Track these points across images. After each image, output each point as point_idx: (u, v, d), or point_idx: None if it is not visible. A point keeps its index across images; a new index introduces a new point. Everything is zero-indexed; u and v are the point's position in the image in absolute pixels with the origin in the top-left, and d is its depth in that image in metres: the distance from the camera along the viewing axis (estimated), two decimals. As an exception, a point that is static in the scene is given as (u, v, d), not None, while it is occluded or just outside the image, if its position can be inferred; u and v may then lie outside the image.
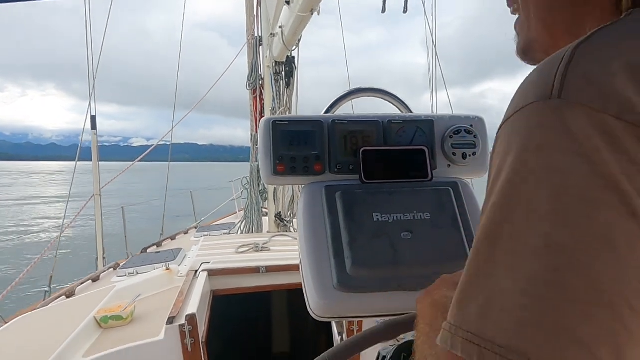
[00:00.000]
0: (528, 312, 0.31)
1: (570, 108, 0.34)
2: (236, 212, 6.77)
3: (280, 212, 4.53)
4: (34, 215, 25.09)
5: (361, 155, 0.94)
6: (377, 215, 0.87)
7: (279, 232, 4.42)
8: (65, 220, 4.36)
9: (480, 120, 1.02)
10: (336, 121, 0.96)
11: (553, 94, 0.35)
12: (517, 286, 0.32)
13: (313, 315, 0.84)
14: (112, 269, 3.70)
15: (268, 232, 4.72)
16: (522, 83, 0.39)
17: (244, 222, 4.90)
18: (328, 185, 0.92)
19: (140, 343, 1.94)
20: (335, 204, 0.89)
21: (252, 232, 4.81)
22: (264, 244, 3.39)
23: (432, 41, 4.43)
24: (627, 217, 0.31)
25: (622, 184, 0.31)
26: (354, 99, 1.11)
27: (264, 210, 5.19)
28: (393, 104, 1.13)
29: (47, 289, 3.76)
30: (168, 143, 6.20)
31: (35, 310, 2.68)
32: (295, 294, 3.74)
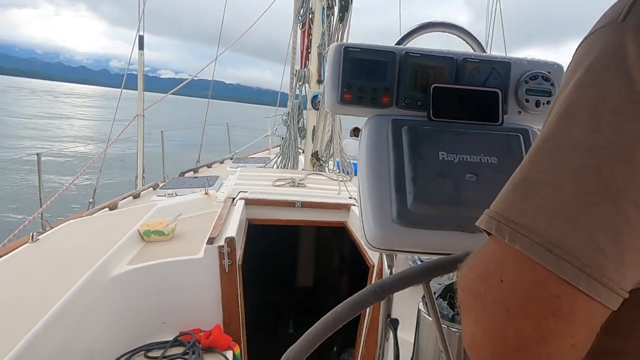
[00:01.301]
0: (543, 199, 0.37)
1: (629, 30, 0.38)
2: (269, 149, 6.83)
3: (317, 151, 4.53)
4: (72, 133, 25.99)
5: (432, 92, 0.91)
6: (442, 154, 0.85)
7: (314, 170, 4.45)
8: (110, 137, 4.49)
9: (559, 68, 0.96)
10: (409, 53, 0.92)
11: (619, 18, 0.39)
12: (538, 178, 0.38)
13: (367, 246, 0.85)
14: (151, 189, 3.84)
15: (303, 169, 4.76)
16: (608, 8, 0.43)
17: (280, 158, 4.94)
18: (395, 118, 0.90)
19: (181, 258, 2.03)
20: (401, 138, 0.87)
21: (288, 168, 4.86)
22: (300, 180, 3.42)
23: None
24: None
25: None
26: (426, 33, 1.06)
27: (299, 149, 5.21)
28: (467, 42, 1.07)
29: (91, 200, 3.94)
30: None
31: (82, 218, 2.82)
32: (325, 231, 3.84)
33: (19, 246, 2.12)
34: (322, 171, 4.43)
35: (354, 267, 3.17)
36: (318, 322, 0.65)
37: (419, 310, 0.90)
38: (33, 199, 4.42)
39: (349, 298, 0.68)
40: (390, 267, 0.92)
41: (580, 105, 0.38)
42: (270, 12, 6.56)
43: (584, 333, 0.36)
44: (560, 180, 0.37)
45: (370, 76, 0.92)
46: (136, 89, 4.74)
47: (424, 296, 0.89)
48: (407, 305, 1.06)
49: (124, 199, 3.45)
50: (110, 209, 3.12)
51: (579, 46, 0.43)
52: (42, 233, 2.38)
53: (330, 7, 3.93)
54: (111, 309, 1.86)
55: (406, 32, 1.04)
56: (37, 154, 3.86)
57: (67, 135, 24.66)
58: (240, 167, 4.53)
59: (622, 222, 0.34)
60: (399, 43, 1.03)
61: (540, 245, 0.36)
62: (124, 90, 5.05)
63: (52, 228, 2.57)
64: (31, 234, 2.18)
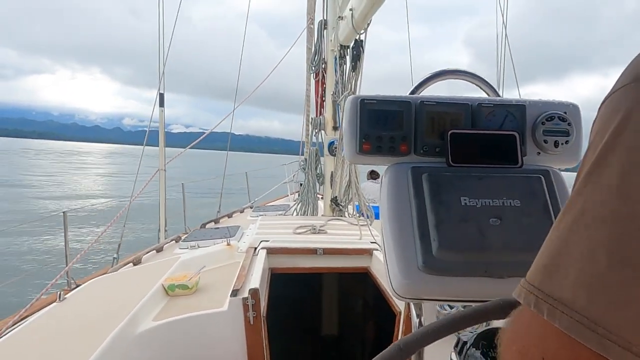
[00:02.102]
0: (582, 273, 0.35)
1: None
2: (288, 195, 6.87)
3: (336, 196, 4.55)
4: (93, 190, 26.63)
5: (449, 138, 0.92)
6: (464, 199, 0.85)
7: (334, 216, 4.45)
8: (133, 193, 4.59)
9: (575, 107, 0.97)
10: (424, 102, 0.95)
11: None
12: (575, 250, 0.36)
13: (394, 295, 0.84)
14: (174, 241, 3.87)
15: (323, 215, 4.76)
16: (632, 60, 0.40)
17: (299, 205, 4.96)
18: (414, 166, 0.91)
19: (206, 312, 2.02)
20: (422, 185, 0.88)
21: (307, 215, 4.87)
22: (321, 226, 3.42)
23: (503, 30, 4.25)
24: None
25: None
26: (440, 80, 1.09)
27: (318, 194, 5.25)
28: (480, 87, 1.09)
29: (115, 255, 3.99)
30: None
31: (107, 274, 2.85)
32: (347, 278, 3.79)
33: (47, 305, 2.15)
34: (342, 216, 4.43)
35: (380, 314, 3.11)
36: None
37: None
38: (60, 255, 4.49)
39: (374, 359, 0.67)
40: (419, 316, 0.91)
41: (611, 171, 0.36)
42: (277, 60, 6.77)
43: None
44: (597, 252, 0.34)
45: (387, 126, 0.94)
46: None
47: (456, 345, 0.87)
48: (439, 356, 1.03)
49: (147, 252, 3.48)
50: (135, 264, 3.15)
51: (603, 102, 0.41)
52: (69, 291, 2.41)
53: (342, 57, 4.06)
54: None
55: (419, 81, 1.07)
56: (63, 212, 3.96)
57: (87, 192, 25.25)
58: (260, 215, 4.56)
59: None
60: (413, 92, 1.06)
61: (581, 323, 0.34)
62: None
63: (77, 285, 2.60)
64: (58, 292, 2.21)
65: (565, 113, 0.95)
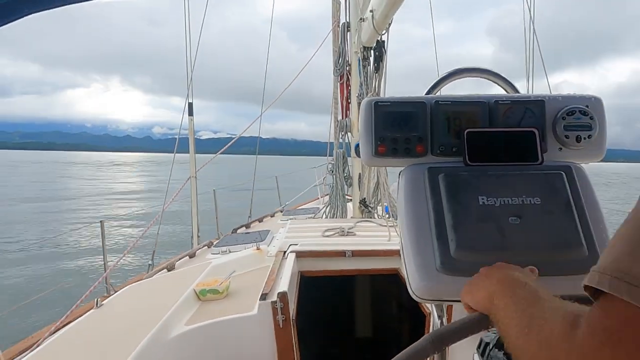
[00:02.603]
0: None
1: None
2: (318, 198, 6.89)
3: (364, 198, 4.54)
4: (127, 197, 27.39)
5: (466, 137, 0.91)
6: (482, 199, 0.84)
7: (363, 218, 4.44)
8: (165, 200, 4.72)
9: (597, 101, 0.94)
10: (440, 102, 0.94)
11: None
12: None
13: (414, 297, 0.84)
14: (206, 247, 3.94)
15: (352, 217, 4.75)
16: None
17: (328, 207, 4.97)
18: (431, 167, 0.91)
19: (236, 316, 2.06)
20: (439, 185, 0.88)
21: (336, 217, 4.87)
22: (349, 228, 3.42)
23: (530, 19, 4.13)
24: None
25: None
26: (456, 79, 1.08)
27: (347, 196, 5.24)
28: (499, 84, 1.08)
29: (150, 262, 4.10)
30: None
31: (142, 281, 2.93)
32: (379, 279, 3.77)
33: (85, 312, 2.23)
34: (371, 217, 4.41)
35: (413, 315, 3.08)
36: None
37: None
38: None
39: (403, 351, 0.66)
40: (440, 317, 0.90)
41: None
42: (299, 65, 6.80)
43: None
44: None
45: (402, 127, 0.94)
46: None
47: (479, 346, 0.86)
48: (463, 356, 1.02)
49: (180, 259, 3.56)
50: (168, 270, 3.23)
51: None
52: (106, 298, 2.49)
53: (365, 59, 4.05)
54: None
55: (436, 81, 1.06)
56: (101, 221, 4.09)
57: (123, 200, 26.00)
58: (290, 219, 4.59)
59: None
60: (429, 92, 1.05)
61: None
62: (167, 154, 5.28)
63: (115, 292, 2.69)
64: (96, 299, 2.29)
65: (587, 107, 0.93)
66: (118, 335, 1.91)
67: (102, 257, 4.03)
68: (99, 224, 4.06)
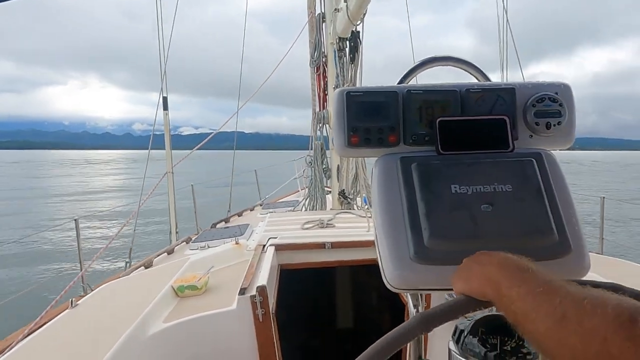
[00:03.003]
0: None
1: None
2: (298, 191, 6.88)
3: (343, 189, 4.55)
4: (103, 196, 26.93)
5: (438, 126, 0.91)
6: (455, 187, 0.84)
7: (342, 209, 4.45)
8: (141, 197, 4.65)
9: (566, 87, 0.95)
10: (411, 91, 0.93)
11: None
12: None
13: (388, 286, 0.84)
14: (184, 243, 3.90)
15: (331, 209, 4.76)
16: None
17: (307, 200, 4.97)
18: (403, 156, 0.90)
19: (215, 312, 2.04)
20: (411, 175, 0.87)
21: (316, 210, 4.87)
22: (328, 220, 3.42)
23: (504, 9, 4.18)
24: None
25: None
26: (428, 68, 1.08)
27: (326, 188, 5.24)
28: (470, 73, 1.08)
29: (127, 259, 4.04)
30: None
31: (119, 279, 2.88)
32: (359, 270, 3.79)
33: (60, 312, 2.18)
34: (350, 209, 4.43)
35: (393, 305, 3.11)
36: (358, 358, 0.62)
37: (449, 349, 0.87)
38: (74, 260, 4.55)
39: (393, 330, 0.65)
40: (415, 306, 0.90)
41: None
42: (279, 57, 6.76)
43: None
44: None
45: (374, 117, 0.93)
46: (160, 149, 4.92)
47: (454, 333, 0.86)
48: (439, 344, 1.03)
49: (158, 255, 3.51)
50: (146, 267, 3.18)
51: None
52: (81, 297, 2.44)
53: (341, 50, 4.04)
54: None
55: (408, 70, 1.06)
56: (75, 219, 4.01)
57: (99, 199, 25.55)
58: (269, 212, 4.57)
59: None
60: (401, 81, 1.05)
61: None
62: (150, 151, 5.24)
63: (92, 290, 2.63)
64: (71, 299, 2.23)
65: (556, 94, 0.93)
66: (94, 334, 1.88)
67: (77, 256, 3.96)
68: (74, 223, 3.98)
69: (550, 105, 0.93)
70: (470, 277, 0.66)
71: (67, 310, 2.16)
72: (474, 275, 0.65)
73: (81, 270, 3.80)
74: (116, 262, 8.61)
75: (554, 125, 0.93)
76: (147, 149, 5.30)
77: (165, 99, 4.79)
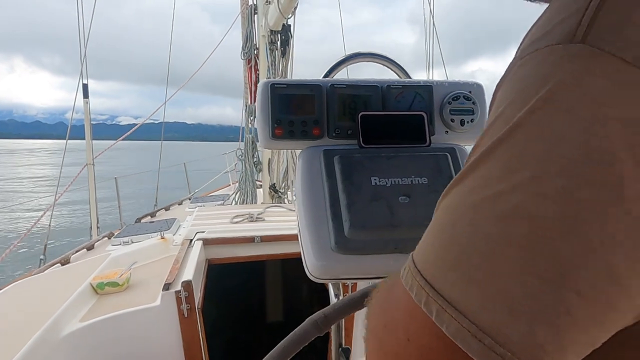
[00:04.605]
0: (484, 276, 0.30)
1: (595, 57, 0.28)
2: (229, 185, 6.78)
3: (274, 183, 4.54)
4: (24, 189, 25.02)
5: (359, 120, 0.94)
6: (375, 179, 0.87)
7: (273, 203, 4.43)
8: (58, 190, 4.35)
9: (479, 87, 1.01)
10: (335, 85, 0.95)
11: (577, 35, 0.29)
12: (472, 243, 0.31)
13: (310, 277, 0.85)
14: (106, 238, 3.71)
15: (262, 203, 4.73)
16: (544, 12, 0.33)
17: (238, 194, 4.91)
18: (326, 149, 0.92)
19: (137, 308, 1.96)
20: (334, 167, 0.89)
21: (247, 204, 4.82)
22: (258, 214, 3.40)
23: (430, 13, 4.36)
24: (610, 199, 0.27)
25: (618, 163, 0.27)
26: (352, 63, 1.10)
27: (257, 182, 5.20)
28: (392, 70, 1.12)
29: (42, 257, 3.77)
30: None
31: (31, 277, 2.69)
32: (289, 263, 3.80)
33: None
34: (281, 203, 4.43)
35: (324, 297, 3.16)
36: None
37: None
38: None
39: (291, 333, 0.68)
40: (337, 295, 0.93)
41: (523, 160, 0.30)
42: (221, 47, 6.62)
43: None
44: (496, 254, 0.29)
45: (299, 110, 0.94)
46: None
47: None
48: (362, 331, 1.06)
49: (77, 252, 3.31)
50: (63, 264, 2.99)
51: (512, 64, 0.34)
52: None
53: (273, 43, 4.01)
54: None
55: (333, 65, 1.07)
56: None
57: (18, 190, 23.68)
58: (198, 206, 4.46)
59: (563, 312, 0.28)
60: (326, 75, 1.06)
61: (468, 331, 0.29)
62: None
63: (0, 290, 2.44)
64: None
65: (470, 92, 0.99)
66: (1, 335, 1.74)
67: None
68: None
69: (464, 103, 0.98)
70: None
71: None
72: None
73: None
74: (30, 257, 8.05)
75: (468, 122, 0.98)
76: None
77: (85, 86, 4.52)
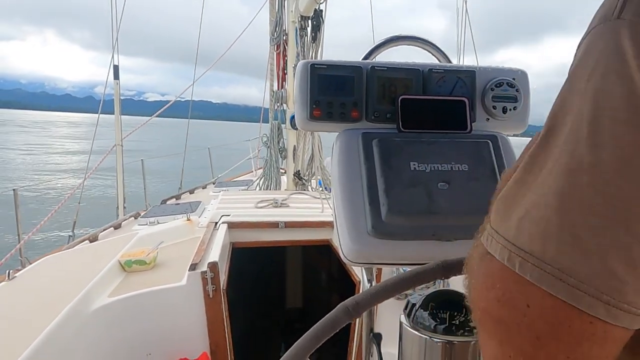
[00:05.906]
0: (551, 224, 0.34)
1: (625, 26, 0.34)
2: (252, 171, 6.82)
3: (299, 170, 4.54)
4: (54, 166, 25.65)
5: (399, 104, 0.92)
6: (414, 164, 0.85)
7: (297, 190, 4.44)
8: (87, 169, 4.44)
9: (523, 74, 0.98)
10: (376, 67, 0.93)
11: (613, 14, 0.35)
12: (545, 201, 0.35)
13: (345, 260, 0.84)
14: (132, 218, 3.78)
15: (286, 190, 4.75)
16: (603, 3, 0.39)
17: (262, 180, 4.93)
18: (365, 132, 0.91)
19: (163, 287, 1.99)
20: (372, 151, 0.88)
21: (270, 190, 4.85)
22: (283, 200, 3.41)
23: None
24: None
25: None
26: (393, 46, 1.08)
27: (281, 169, 5.21)
28: (432, 54, 1.09)
29: (70, 233, 3.87)
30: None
31: (61, 252, 2.76)
32: (311, 250, 3.81)
33: None
34: (304, 190, 4.43)
35: (343, 284, 3.16)
36: (291, 348, 0.64)
37: (401, 322, 0.89)
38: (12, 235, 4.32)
39: (322, 319, 0.67)
40: (370, 281, 0.92)
41: (581, 118, 0.35)
42: (251, 27, 6.61)
43: (607, 356, 0.35)
44: (567, 203, 0.34)
45: (338, 92, 0.92)
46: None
47: (405, 307, 0.88)
48: (391, 318, 1.05)
49: (104, 230, 3.39)
50: (91, 242, 3.06)
51: (578, 46, 0.40)
52: (19, 270, 2.32)
53: (303, 28, 3.98)
54: (93, 343, 1.81)
55: (372, 47, 1.05)
56: (14, 189, 3.79)
57: (47, 168, 24.30)
58: (222, 191, 4.50)
59: (634, 244, 0.32)
60: (366, 57, 1.04)
61: (552, 275, 0.34)
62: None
63: (31, 264, 2.51)
64: (7, 271, 2.12)
65: (513, 79, 0.96)
66: (33, 308, 1.79)
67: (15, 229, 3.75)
68: (12, 193, 3.76)
69: (507, 90, 0.95)
70: None
71: (3, 283, 2.05)
72: None
73: (19, 242, 3.61)
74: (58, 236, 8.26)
75: (510, 109, 0.95)
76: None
77: (116, 68, 4.58)
